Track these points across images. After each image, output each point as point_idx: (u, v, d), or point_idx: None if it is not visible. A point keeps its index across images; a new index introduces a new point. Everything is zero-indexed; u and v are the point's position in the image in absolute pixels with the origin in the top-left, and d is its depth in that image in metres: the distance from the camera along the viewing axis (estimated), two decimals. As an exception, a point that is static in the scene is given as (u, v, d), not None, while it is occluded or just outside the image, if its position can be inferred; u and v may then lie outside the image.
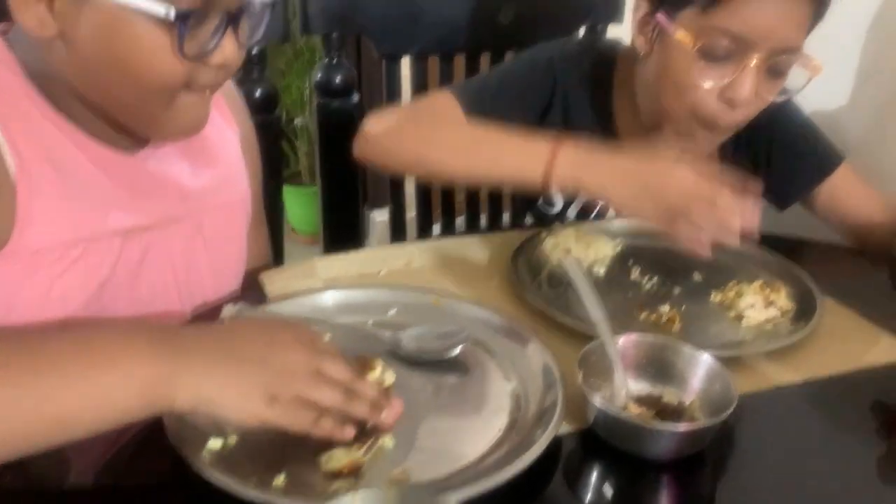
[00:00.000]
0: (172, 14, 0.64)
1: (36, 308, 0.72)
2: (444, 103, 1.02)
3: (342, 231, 1.35)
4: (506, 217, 1.45)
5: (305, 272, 0.89)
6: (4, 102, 0.70)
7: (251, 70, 1.18)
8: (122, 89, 0.70)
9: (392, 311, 0.81)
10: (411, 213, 1.42)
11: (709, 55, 0.87)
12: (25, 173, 0.70)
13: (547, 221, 1.16)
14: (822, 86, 1.24)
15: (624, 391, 0.66)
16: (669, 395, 0.67)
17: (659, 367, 0.69)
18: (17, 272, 0.71)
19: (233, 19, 0.68)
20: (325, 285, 0.87)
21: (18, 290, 0.71)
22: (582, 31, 1.40)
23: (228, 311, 0.80)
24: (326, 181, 1.32)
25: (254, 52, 1.18)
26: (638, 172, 0.81)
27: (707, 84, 0.88)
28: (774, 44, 0.86)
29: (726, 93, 0.88)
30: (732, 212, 0.76)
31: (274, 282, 0.87)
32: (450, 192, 1.43)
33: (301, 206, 2.88)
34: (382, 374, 0.66)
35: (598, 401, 0.61)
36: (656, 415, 0.65)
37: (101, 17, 0.65)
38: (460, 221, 1.47)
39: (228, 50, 0.69)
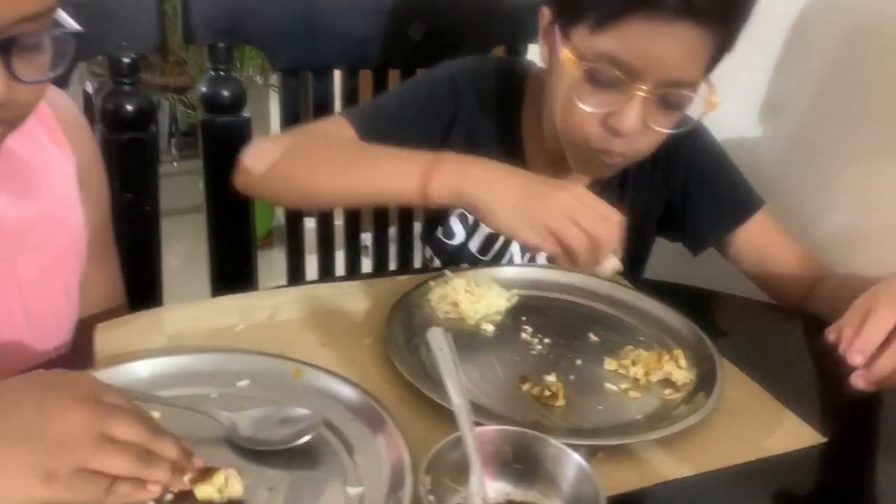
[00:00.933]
0: None
1: None
2: (335, 128, 0.94)
3: (232, 263, 1.24)
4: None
5: (148, 326, 0.78)
6: None
7: (121, 83, 1.06)
8: None
9: (243, 383, 0.70)
10: (339, 221, 1.32)
11: (594, 79, 0.81)
12: None
13: (446, 254, 1.07)
14: (738, 121, 1.19)
15: (480, 499, 0.57)
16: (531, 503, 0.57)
17: (525, 461, 0.60)
18: None
19: None
20: (168, 344, 0.76)
21: None
22: (501, 51, 1.31)
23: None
24: (213, 206, 1.20)
25: (125, 61, 1.06)
26: (519, 185, 0.76)
27: (591, 109, 0.82)
28: (664, 76, 0.79)
29: (610, 121, 0.82)
30: (605, 235, 0.73)
31: (107, 338, 0.76)
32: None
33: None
34: (226, 483, 0.56)
35: (439, 522, 0.52)
36: (515, 528, 0.55)
37: None
38: (393, 232, 1.37)
39: None
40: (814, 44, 1.10)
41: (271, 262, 2.63)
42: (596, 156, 0.88)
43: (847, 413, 0.77)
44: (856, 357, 0.69)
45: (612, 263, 0.77)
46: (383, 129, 0.93)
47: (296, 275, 1.32)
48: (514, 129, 1.00)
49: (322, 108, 1.23)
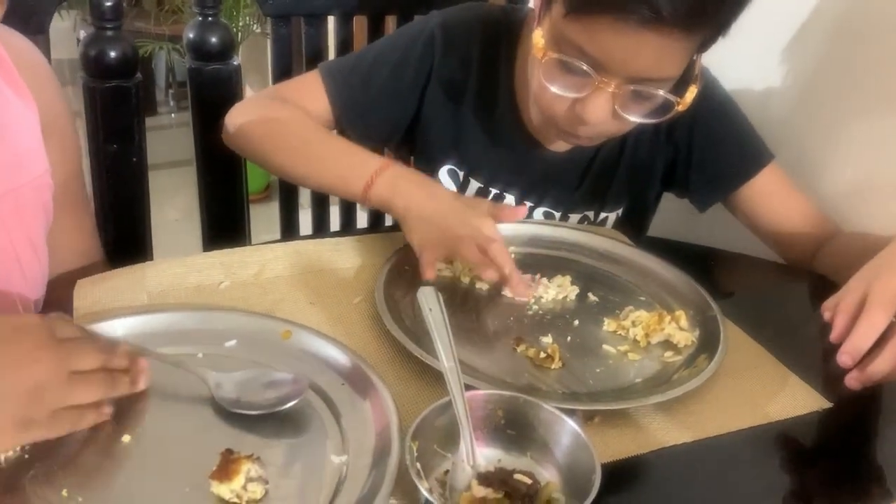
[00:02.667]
0: None
1: None
2: (310, 89, 0.95)
3: (224, 216, 1.20)
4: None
5: (129, 282, 0.75)
6: None
7: (104, 28, 1.01)
8: None
9: (230, 343, 0.67)
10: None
11: (564, 65, 0.78)
12: None
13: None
14: (748, 71, 1.14)
15: (470, 466, 0.54)
16: (524, 471, 0.55)
17: (517, 426, 0.57)
18: None
19: None
20: (150, 301, 0.73)
21: None
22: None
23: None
24: (203, 158, 1.16)
25: (107, 4, 1.01)
26: (438, 207, 0.78)
27: (559, 93, 0.79)
28: (632, 75, 0.75)
29: (578, 109, 0.79)
30: (501, 261, 0.73)
31: (86, 294, 0.73)
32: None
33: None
34: (245, 486, 0.52)
35: (426, 492, 0.49)
36: (505, 496, 0.53)
37: None
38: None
39: None
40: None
41: (269, 217, 2.59)
42: (563, 136, 0.87)
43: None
44: (846, 359, 0.66)
45: (545, 291, 0.79)
46: (356, 90, 0.95)
47: (289, 230, 1.29)
48: (506, 78, 0.95)
49: (315, 57, 1.18)
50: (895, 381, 0.68)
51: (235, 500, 0.51)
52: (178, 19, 3.14)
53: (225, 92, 1.12)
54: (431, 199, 0.79)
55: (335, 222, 1.32)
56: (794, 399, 0.68)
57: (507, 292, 0.78)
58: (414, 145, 0.99)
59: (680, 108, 0.80)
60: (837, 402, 0.68)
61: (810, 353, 0.76)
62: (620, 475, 0.58)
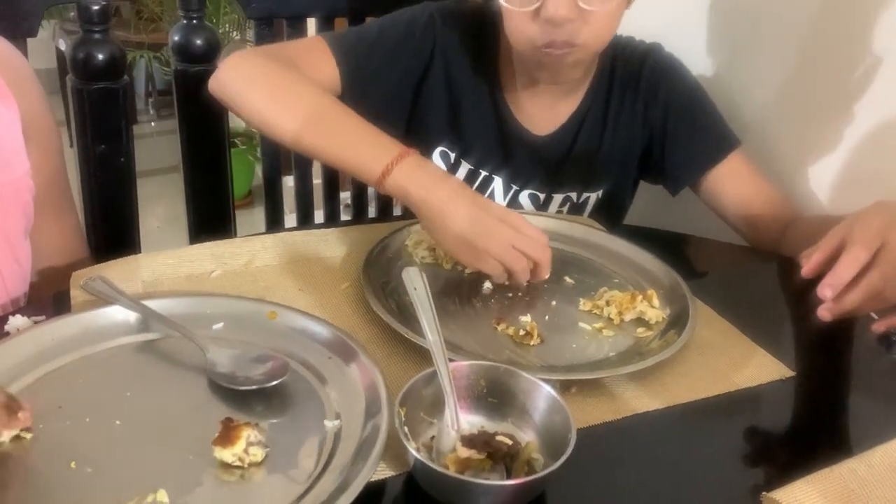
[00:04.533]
0: None
1: None
2: (316, 55, 0.95)
3: (210, 218, 1.23)
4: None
5: (124, 273, 0.78)
6: None
7: (91, 31, 1.04)
8: None
9: (218, 325, 0.70)
10: (318, 180, 1.31)
11: None
12: None
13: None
14: (716, 62, 1.19)
15: (454, 430, 0.58)
16: (505, 433, 0.58)
17: (498, 395, 0.61)
18: None
19: None
20: (144, 290, 0.76)
21: None
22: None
23: (16, 322, 0.69)
24: (190, 160, 1.19)
25: (94, 8, 1.03)
26: (466, 213, 0.75)
27: (520, 7, 0.85)
28: None
29: (542, 13, 0.84)
30: (540, 256, 0.76)
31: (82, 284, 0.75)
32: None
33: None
34: (247, 449, 0.55)
35: (414, 451, 0.53)
36: (487, 457, 0.56)
37: None
38: (371, 191, 1.37)
39: None
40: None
41: (251, 223, 2.61)
42: (545, 54, 0.88)
43: (815, 349, 0.79)
44: (826, 291, 0.70)
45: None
46: (363, 58, 0.96)
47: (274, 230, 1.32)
48: (491, 66, 1.02)
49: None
50: (863, 313, 0.73)
51: (238, 463, 0.55)
52: (157, 27, 3.17)
53: (210, 93, 1.15)
54: (456, 196, 0.76)
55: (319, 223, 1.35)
56: (759, 369, 0.73)
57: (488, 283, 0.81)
58: (409, 125, 1.03)
59: None
60: (799, 370, 0.73)
61: (774, 328, 0.80)
62: (596, 439, 0.62)
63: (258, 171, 3.26)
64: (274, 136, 0.87)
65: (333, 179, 1.33)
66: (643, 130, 1.03)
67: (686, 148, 1.02)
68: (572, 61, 0.91)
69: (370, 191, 1.37)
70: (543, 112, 1.02)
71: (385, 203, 1.37)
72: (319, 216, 1.35)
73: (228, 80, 0.89)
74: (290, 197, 1.28)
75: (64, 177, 0.90)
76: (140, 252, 1.17)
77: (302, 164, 1.29)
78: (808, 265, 0.73)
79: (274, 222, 1.31)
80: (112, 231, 1.14)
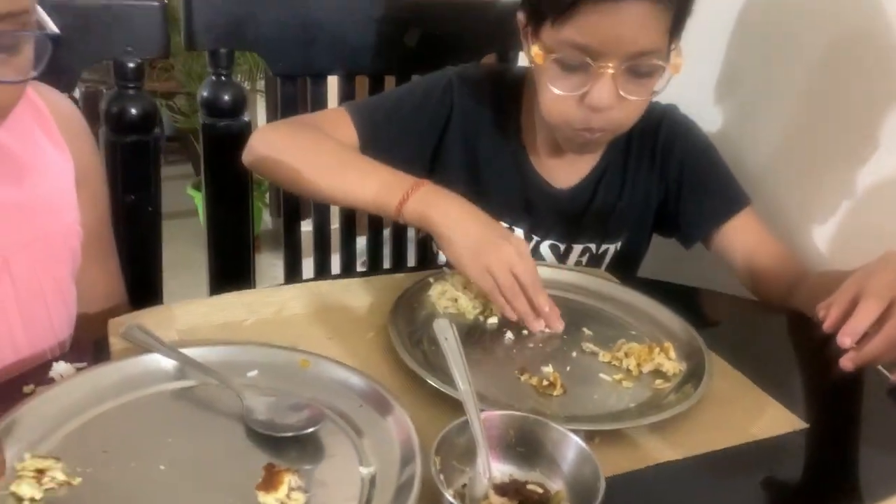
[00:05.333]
0: None
1: None
2: (337, 122, 1.02)
3: (230, 263, 1.26)
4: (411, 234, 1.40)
5: (159, 321, 0.80)
6: None
7: (126, 87, 1.09)
8: None
9: (253, 373, 0.73)
10: (335, 225, 1.35)
11: (564, 66, 0.89)
12: None
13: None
14: (726, 124, 1.24)
15: (487, 478, 0.60)
16: (535, 482, 0.61)
17: (528, 445, 0.63)
18: None
19: None
20: (180, 338, 0.79)
21: None
22: (492, 58, 1.36)
23: (60, 369, 0.72)
24: (213, 208, 1.23)
25: (130, 66, 1.08)
26: (476, 229, 0.84)
27: (566, 93, 0.90)
28: (624, 49, 0.86)
29: (586, 100, 0.89)
30: (531, 284, 0.82)
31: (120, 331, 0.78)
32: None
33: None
34: (288, 494, 0.57)
35: (451, 498, 0.55)
36: (520, 505, 0.59)
37: None
38: (387, 234, 1.41)
39: None
40: (800, 51, 1.15)
41: (260, 268, 2.65)
42: (580, 135, 0.95)
43: (827, 401, 0.82)
44: (845, 340, 0.76)
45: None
46: (380, 125, 1.02)
47: (293, 275, 1.35)
48: (514, 126, 1.07)
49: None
50: (886, 361, 0.77)
51: None
52: (169, 76, 3.24)
53: (235, 146, 1.19)
54: (473, 219, 0.85)
55: (336, 270, 1.38)
56: (774, 421, 0.75)
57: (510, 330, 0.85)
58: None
59: (673, 72, 0.90)
60: (812, 422, 0.75)
61: (786, 380, 0.83)
62: (619, 488, 0.63)
63: (266, 217, 3.31)
64: (304, 193, 0.96)
65: (350, 224, 1.37)
66: (659, 186, 1.08)
67: (699, 204, 1.07)
68: (604, 140, 0.97)
69: (385, 233, 1.41)
70: (564, 167, 1.06)
71: (399, 253, 1.41)
72: (335, 260, 1.37)
73: (259, 151, 0.98)
74: (309, 240, 1.32)
75: (108, 223, 0.93)
76: (162, 294, 1.22)
77: (320, 210, 1.32)
78: (829, 320, 0.78)
79: (291, 268, 1.34)
80: (136, 276, 1.16)
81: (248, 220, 1.26)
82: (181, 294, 1.11)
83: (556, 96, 0.91)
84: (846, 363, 0.77)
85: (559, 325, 0.84)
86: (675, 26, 0.89)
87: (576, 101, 0.90)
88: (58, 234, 0.83)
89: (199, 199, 2.79)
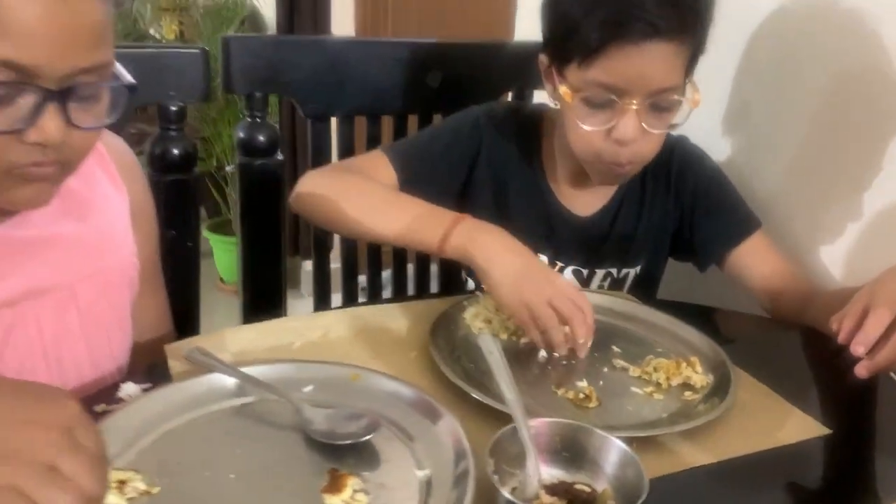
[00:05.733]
0: None
1: None
2: (376, 164, 1.08)
3: (264, 291, 1.31)
4: (434, 269, 1.45)
5: (213, 345, 0.85)
6: None
7: (168, 129, 1.15)
8: None
9: (308, 388, 0.78)
10: (336, 265, 1.40)
11: (591, 104, 0.96)
12: None
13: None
14: (736, 154, 1.31)
15: (536, 480, 0.65)
16: (582, 483, 0.65)
17: (573, 451, 0.68)
18: None
19: (56, 97, 0.65)
20: (235, 359, 0.83)
21: None
22: (509, 96, 1.43)
23: (129, 390, 0.76)
24: (248, 240, 1.29)
25: (172, 109, 1.15)
26: (516, 264, 0.87)
27: (594, 128, 0.96)
28: (647, 87, 0.93)
29: (613, 134, 0.95)
30: (576, 319, 0.84)
31: (177, 355, 0.83)
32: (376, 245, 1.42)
33: (230, 256, 2.80)
34: (353, 496, 0.62)
35: (506, 496, 0.59)
36: (568, 503, 0.63)
37: None
38: (386, 276, 1.45)
39: (48, 128, 0.66)
40: (805, 84, 1.22)
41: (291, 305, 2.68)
42: (613, 169, 1.01)
43: (845, 408, 0.87)
44: (859, 349, 0.81)
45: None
46: (416, 163, 1.08)
47: (322, 306, 1.40)
48: (536, 160, 1.14)
49: (347, 150, 1.33)
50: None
51: None
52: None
53: (270, 184, 1.26)
54: (512, 253, 0.88)
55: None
56: (798, 427, 0.80)
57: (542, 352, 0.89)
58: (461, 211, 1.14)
59: (692, 105, 0.97)
60: (834, 428, 0.80)
61: (806, 391, 0.88)
62: (658, 491, 0.68)
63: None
64: (349, 233, 1.03)
65: (352, 262, 1.41)
66: (674, 213, 1.14)
67: (713, 229, 1.12)
68: (633, 172, 1.04)
69: (384, 275, 1.47)
70: (585, 196, 1.12)
71: (400, 285, 1.47)
72: (336, 300, 1.42)
73: (306, 196, 1.03)
74: (337, 280, 1.37)
75: (158, 257, 0.99)
76: (199, 325, 1.26)
77: (321, 248, 1.38)
78: (842, 332, 0.83)
79: (322, 300, 1.39)
80: (175, 306, 1.22)
81: (281, 254, 1.31)
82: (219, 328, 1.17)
83: (584, 132, 0.97)
84: (860, 371, 0.82)
85: (581, 355, 0.88)
86: (691, 63, 0.97)
87: (603, 136, 0.97)
88: (117, 266, 0.88)
89: (214, 241, 2.84)
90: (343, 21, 2.54)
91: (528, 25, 1.98)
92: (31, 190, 0.71)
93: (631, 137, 0.95)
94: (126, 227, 0.90)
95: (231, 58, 1.19)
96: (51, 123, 0.66)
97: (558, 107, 1.05)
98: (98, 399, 0.75)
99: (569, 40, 0.95)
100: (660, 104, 0.96)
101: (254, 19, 2.95)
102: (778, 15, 1.25)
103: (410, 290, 1.49)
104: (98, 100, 0.71)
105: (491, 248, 0.88)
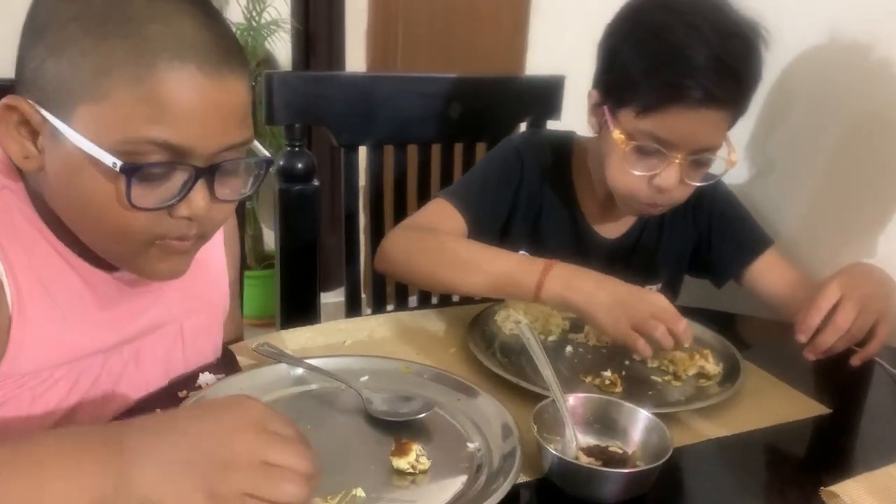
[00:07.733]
0: (118, 166, 0.64)
1: (15, 424, 0.73)
2: (444, 212, 1.14)
3: (299, 313, 1.41)
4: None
5: (275, 343, 0.95)
6: (6, 230, 0.71)
7: (294, 146, 1.31)
8: (88, 230, 0.72)
9: (364, 377, 0.87)
10: (363, 295, 1.49)
11: (640, 151, 1.03)
12: (21, 302, 0.71)
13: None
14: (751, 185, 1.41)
15: (574, 443, 0.74)
16: (614, 447, 0.74)
17: (604, 422, 0.77)
18: (1, 394, 0.72)
19: (205, 173, 0.69)
20: (295, 355, 0.93)
21: None
22: (524, 125, 1.54)
23: (206, 378, 0.85)
24: (285, 264, 1.39)
25: (297, 126, 1.31)
26: (611, 293, 0.93)
27: (638, 173, 1.04)
28: (695, 146, 1.02)
29: (655, 181, 1.03)
30: (678, 327, 0.90)
31: (243, 353, 0.93)
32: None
33: (247, 288, 2.88)
34: (417, 459, 0.71)
35: (553, 450, 0.69)
36: (604, 463, 0.72)
37: (67, 157, 0.66)
38: (413, 300, 1.55)
39: (197, 203, 0.69)
40: (823, 128, 1.32)
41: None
42: (645, 208, 1.10)
43: (844, 394, 0.96)
44: (800, 336, 0.94)
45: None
46: (478, 203, 1.16)
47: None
48: (567, 183, 1.22)
49: (376, 177, 1.44)
50: (839, 350, 0.94)
51: (410, 470, 0.70)
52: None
53: (307, 208, 1.37)
54: (604, 287, 0.93)
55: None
56: (802, 407, 0.90)
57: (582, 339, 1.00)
58: (501, 234, 1.22)
59: (728, 167, 1.06)
60: (834, 408, 0.89)
61: (806, 378, 0.97)
62: (681, 458, 0.77)
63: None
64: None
65: (381, 293, 1.50)
66: (692, 233, 1.24)
67: (729, 246, 1.22)
68: (659, 212, 1.13)
69: (411, 300, 1.55)
70: (611, 219, 1.21)
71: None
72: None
73: (393, 258, 1.09)
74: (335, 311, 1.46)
75: (238, 276, 1.04)
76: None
77: (351, 278, 1.46)
78: (797, 325, 0.96)
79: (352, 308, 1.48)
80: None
81: (315, 274, 1.41)
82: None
83: (629, 175, 1.04)
84: (808, 355, 0.94)
85: (687, 344, 0.92)
86: (732, 125, 1.05)
87: (645, 181, 1.04)
88: (218, 300, 0.95)
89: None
90: (356, 57, 2.60)
91: (539, 60, 2.12)
92: (171, 262, 0.74)
93: (671, 187, 1.03)
94: (222, 257, 0.96)
95: (273, 92, 1.30)
96: (199, 198, 0.69)
97: (594, 135, 1.14)
98: (181, 386, 0.85)
99: (626, 90, 1.02)
100: (700, 160, 1.04)
101: (269, 63, 3.10)
102: (804, 56, 1.33)
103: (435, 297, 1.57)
104: (238, 174, 0.74)
105: (585, 289, 0.93)
